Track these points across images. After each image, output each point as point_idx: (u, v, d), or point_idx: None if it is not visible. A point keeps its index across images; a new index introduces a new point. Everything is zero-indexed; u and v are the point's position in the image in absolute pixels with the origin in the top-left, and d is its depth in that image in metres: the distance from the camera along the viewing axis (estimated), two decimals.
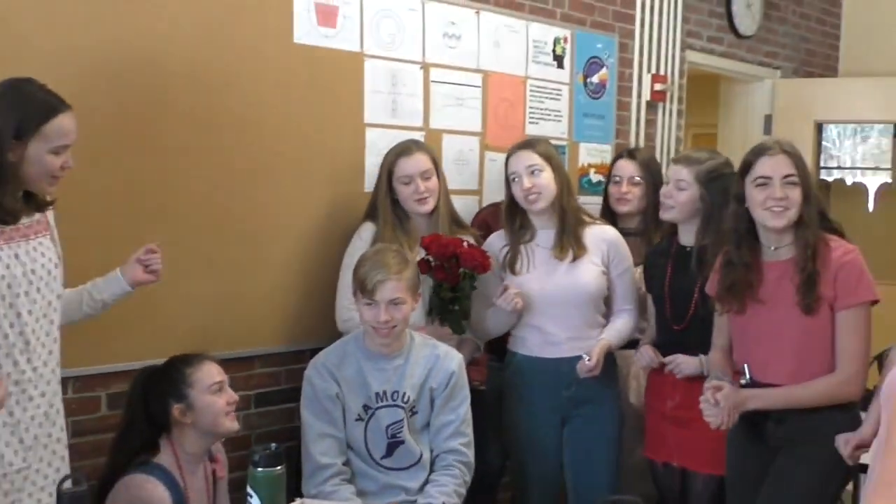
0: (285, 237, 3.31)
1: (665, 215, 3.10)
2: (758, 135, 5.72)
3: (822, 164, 5.83)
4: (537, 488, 3.24)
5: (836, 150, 6.06)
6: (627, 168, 3.56)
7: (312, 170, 3.36)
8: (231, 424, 2.63)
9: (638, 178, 3.54)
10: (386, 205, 3.24)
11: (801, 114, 5.64)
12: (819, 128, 5.75)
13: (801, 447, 2.64)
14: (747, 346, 2.74)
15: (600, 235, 3.17)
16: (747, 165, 2.64)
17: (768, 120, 5.74)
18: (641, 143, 4.68)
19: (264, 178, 3.23)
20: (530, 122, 4.12)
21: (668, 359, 3.07)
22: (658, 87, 4.73)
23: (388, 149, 3.31)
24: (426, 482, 2.87)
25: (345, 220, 3.37)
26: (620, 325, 3.18)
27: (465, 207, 3.73)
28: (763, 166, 2.61)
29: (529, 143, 3.18)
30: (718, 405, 2.59)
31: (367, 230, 3.25)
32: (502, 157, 3.71)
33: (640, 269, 3.29)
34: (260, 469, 2.09)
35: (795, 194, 2.57)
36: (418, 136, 3.62)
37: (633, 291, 3.22)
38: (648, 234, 3.47)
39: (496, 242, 3.26)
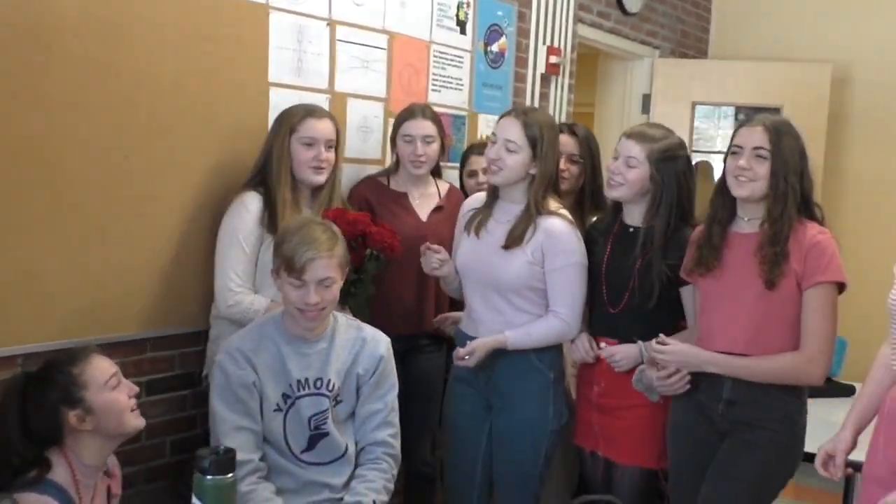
0: (182, 206, 2.97)
1: (611, 193, 2.90)
2: (636, 114, 5.73)
3: (694, 147, 5.85)
4: (458, 473, 3.07)
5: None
6: (568, 144, 3.32)
7: (213, 131, 3.03)
8: (137, 422, 2.30)
9: (577, 156, 3.34)
10: (286, 166, 2.94)
11: (678, 94, 5.66)
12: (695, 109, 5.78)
13: (749, 433, 2.59)
14: (707, 312, 2.68)
15: (543, 226, 2.87)
16: (733, 135, 2.64)
17: (646, 99, 5.74)
18: None
19: (162, 138, 2.88)
20: (432, 90, 3.91)
21: (604, 351, 2.90)
22: (553, 59, 4.60)
23: (286, 111, 3.03)
24: (351, 477, 2.64)
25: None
26: (535, 329, 2.89)
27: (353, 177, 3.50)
28: (739, 136, 2.61)
29: (524, 113, 2.90)
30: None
31: (253, 200, 2.91)
32: None
33: None
34: (209, 477, 1.80)
35: (762, 168, 2.54)
36: (323, 99, 3.35)
37: (567, 293, 2.88)
38: (582, 215, 3.27)
39: (473, 202, 3.08)
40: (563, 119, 4.79)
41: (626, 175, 2.84)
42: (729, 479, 2.59)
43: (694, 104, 5.73)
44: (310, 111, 3.00)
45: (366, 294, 2.96)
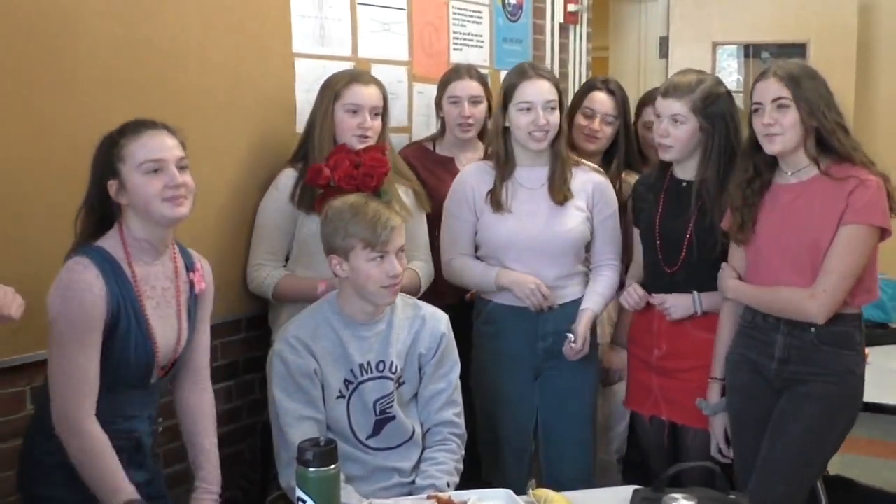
0: (214, 190, 3.00)
1: (666, 156, 2.93)
2: (654, 59, 5.79)
3: None
4: (511, 442, 3.14)
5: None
6: (605, 104, 3.43)
7: (240, 108, 3.09)
8: (169, 211, 2.22)
9: (612, 118, 3.42)
10: (329, 135, 2.97)
11: (697, 34, 5.70)
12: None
13: (805, 386, 2.64)
14: (759, 273, 2.72)
15: (587, 178, 3.07)
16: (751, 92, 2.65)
17: (664, 42, 5.79)
18: (557, 70, 4.60)
19: (191, 119, 2.90)
20: (454, 49, 3.97)
21: (656, 298, 2.97)
22: (571, 7, 4.66)
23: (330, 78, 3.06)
24: (419, 460, 2.71)
25: (276, 168, 3.11)
26: (602, 288, 3.10)
27: (397, 146, 3.49)
28: (756, 92, 2.63)
29: (543, 72, 3.02)
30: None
31: (285, 177, 3.00)
32: (430, 88, 3.60)
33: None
34: (312, 469, 1.88)
35: (788, 119, 2.55)
36: (348, 66, 3.38)
37: (616, 240, 3.13)
38: (618, 175, 3.39)
39: (474, 176, 3.09)
40: (584, 70, 4.85)
41: (675, 135, 2.87)
42: (787, 432, 2.66)
43: (715, 45, 5.78)
44: (355, 76, 3.03)
45: None
